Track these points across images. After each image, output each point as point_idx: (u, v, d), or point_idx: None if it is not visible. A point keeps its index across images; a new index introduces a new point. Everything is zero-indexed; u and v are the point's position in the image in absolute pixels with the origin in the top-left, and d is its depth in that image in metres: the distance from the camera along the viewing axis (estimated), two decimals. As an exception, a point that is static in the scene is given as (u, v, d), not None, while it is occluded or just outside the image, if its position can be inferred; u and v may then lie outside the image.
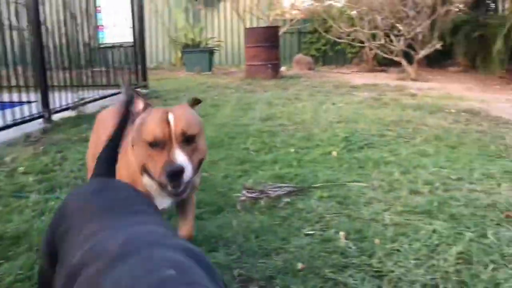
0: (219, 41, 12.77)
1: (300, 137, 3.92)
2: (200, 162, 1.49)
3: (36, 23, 4.66)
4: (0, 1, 4.57)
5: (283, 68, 11.10)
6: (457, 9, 9.21)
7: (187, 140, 1.41)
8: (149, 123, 1.43)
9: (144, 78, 7.13)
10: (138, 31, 6.96)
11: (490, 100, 6.00)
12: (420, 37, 9.51)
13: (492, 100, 6.03)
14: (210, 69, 10.74)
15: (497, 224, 2.07)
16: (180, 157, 1.37)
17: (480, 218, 2.12)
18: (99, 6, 6.55)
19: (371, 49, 10.54)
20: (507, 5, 9.59)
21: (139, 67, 7.02)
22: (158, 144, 1.40)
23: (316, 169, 3.01)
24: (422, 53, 9.13)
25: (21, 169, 3.13)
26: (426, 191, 2.48)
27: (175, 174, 1.34)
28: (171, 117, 1.42)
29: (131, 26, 6.78)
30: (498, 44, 8.21)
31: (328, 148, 3.54)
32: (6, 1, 4.50)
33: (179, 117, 1.43)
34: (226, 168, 3.10)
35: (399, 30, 9.27)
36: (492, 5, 10.99)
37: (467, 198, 2.35)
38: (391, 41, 9.53)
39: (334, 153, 3.41)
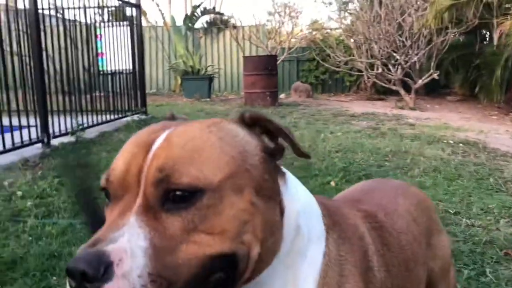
0: (218, 68, 12.91)
1: (298, 167, 3.90)
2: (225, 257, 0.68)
3: (37, 49, 4.72)
4: (2, 28, 4.64)
5: (281, 96, 11.21)
6: (452, 37, 9.34)
7: (168, 194, 0.66)
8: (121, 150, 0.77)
9: (143, 104, 7.17)
10: (138, 58, 7.04)
11: (488, 130, 6.03)
12: (417, 66, 9.65)
13: (490, 130, 6.06)
14: (209, 96, 10.82)
15: (496, 262, 2.04)
16: (127, 234, 0.63)
17: (479, 255, 2.09)
18: (100, 34, 6.64)
19: (369, 78, 10.66)
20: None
21: (139, 93, 7.06)
22: (114, 195, 0.71)
23: (314, 200, 2.98)
24: (420, 82, 9.23)
25: (19, 193, 3.12)
26: (425, 226, 2.46)
27: (83, 275, 0.59)
28: (160, 138, 0.71)
29: (131, 53, 6.87)
30: (497, 74, 8.31)
31: (326, 178, 3.53)
32: (8, 28, 4.57)
33: (172, 141, 0.70)
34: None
35: (396, 59, 9.41)
36: (487, 34, 11.19)
37: (465, 234, 2.33)
38: (389, 70, 9.65)
39: (333, 183, 3.39)
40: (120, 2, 6.96)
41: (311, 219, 0.84)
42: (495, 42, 9.44)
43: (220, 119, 0.78)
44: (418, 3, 9.31)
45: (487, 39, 11.05)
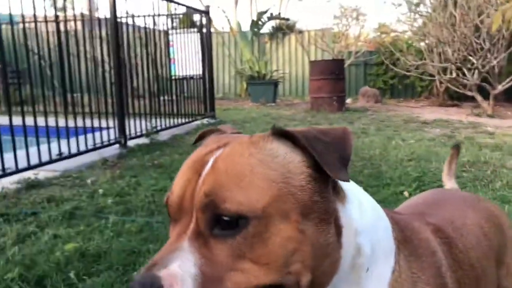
0: (283, 73, 12.95)
1: (368, 174, 3.81)
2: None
3: (116, 56, 5.02)
4: (85, 38, 5.00)
5: (348, 101, 11.00)
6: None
7: (216, 220, 0.66)
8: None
9: (212, 108, 7.36)
10: (207, 64, 7.25)
11: None
12: (496, 70, 9.03)
13: None
14: (274, 101, 10.88)
15: None
16: (179, 259, 0.65)
17: None
18: (172, 41, 6.92)
19: (441, 83, 10.16)
20: None
21: (208, 98, 7.27)
22: (173, 217, 0.73)
23: (388, 207, 2.88)
24: (499, 87, 8.63)
25: (100, 191, 3.33)
26: None
27: None
28: (209, 163, 0.71)
29: (201, 59, 7.08)
30: None
31: (399, 187, 3.40)
32: (91, 38, 4.91)
33: (217, 166, 0.70)
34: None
35: (472, 63, 8.87)
36: None
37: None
38: (464, 74, 9.12)
39: (406, 193, 3.26)
40: (190, 9, 7.21)
41: (377, 235, 0.80)
42: None
43: (260, 136, 0.74)
44: (499, 1, 8.71)
45: None
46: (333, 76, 8.99)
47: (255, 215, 0.65)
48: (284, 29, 13.32)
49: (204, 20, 7.44)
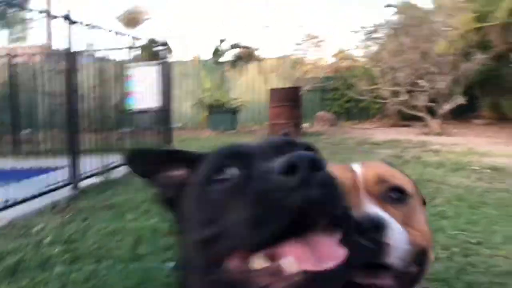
0: (243, 101, 13.15)
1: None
2: (422, 253, 0.90)
3: (70, 89, 4.90)
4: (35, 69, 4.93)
5: (305, 125, 11.27)
6: (478, 64, 9.25)
7: (390, 194, 0.93)
8: None
9: (169, 140, 7.37)
10: (165, 95, 7.30)
11: (516, 155, 5.86)
12: (443, 91, 9.55)
13: (519, 155, 5.89)
14: (234, 128, 11.01)
15: (517, 294, 1.98)
16: (386, 216, 0.85)
17: (499, 286, 2.04)
18: (130, 75, 6.92)
19: (393, 105, 10.61)
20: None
21: (165, 129, 7.29)
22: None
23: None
24: (446, 107, 9.11)
25: (48, 239, 3.14)
26: (445, 257, 2.42)
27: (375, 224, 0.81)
28: (356, 165, 1.05)
29: (160, 91, 7.09)
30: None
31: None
32: (41, 69, 4.83)
33: (371, 164, 1.05)
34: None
35: (421, 86, 9.35)
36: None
37: (486, 264, 2.27)
38: (414, 96, 9.59)
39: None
40: (148, 42, 7.27)
41: None
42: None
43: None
44: (444, 30, 9.29)
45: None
46: (291, 102, 9.25)
47: (412, 195, 0.96)
48: (245, 57, 13.60)
49: (163, 52, 7.49)
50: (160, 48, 7.38)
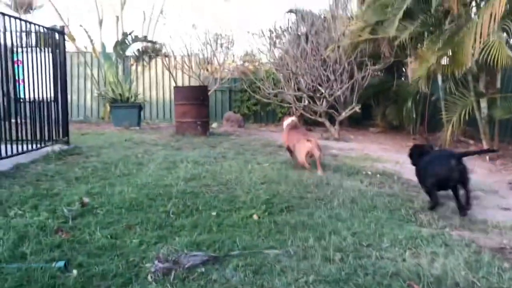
0: (149, 96, 12.73)
1: (223, 199, 3.90)
2: None
3: None
4: None
5: (213, 125, 11.24)
6: (372, 75, 10.03)
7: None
8: None
9: (66, 133, 6.83)
10: (61, 85, 6.75)
11: (403, 161, 6.42)
12: (342, 99, 10.19)
13: (405, 161, 6.42)
14: (138, 124, 10.59)
15: (400, 293, 2.14)
16: None
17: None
18: (19, 59, 6.28)
19: (297, 110, 11.05)
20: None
21: (60, 122, 6.73)
22: None
23: (236, 234, 2.99)
24: (343, 115, 9.73)
25: None
26: (338, 259, 2.54)
27: None
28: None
29: (53, 80, 6.57)
30: (408, 105, 9.00)
31: (249, 211, 3.55)
32: None
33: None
34: (141, 234, 2.98)
35: (321, 93, 9.88)
36: (403, 71, 12.14)
37: (375, 267, 2.44)
38: (315, 102, 10.09)
39: (255, 217, 3.42)
40: (43, 28, 6.67)
41: None
42: (409, 79, 10.25)
43: None
44: (341, 39, 9.91)
45: (403, 76, 11.96)
46: (198, 101, 9.13)
47: None
48: (150, 52, 13.14)
49: (59, 40, 6.92)
50: (56, 35, 6.80)
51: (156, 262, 2.47)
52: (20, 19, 5.98)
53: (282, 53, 11.15)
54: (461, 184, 3.67)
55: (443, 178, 3.69)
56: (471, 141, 8.58)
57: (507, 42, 8.08)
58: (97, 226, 3.07)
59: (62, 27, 7.15)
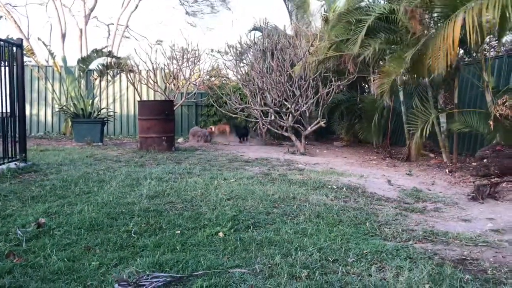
0: (113, 112, 12.46)
1: (188, 217, 3.81)
2: None
3: None
4: None
5: (180, 140, 11.11)
6: (336, 90, 10.22)
7: None
8: None
9: (23, 150, 6.54)
10: (18, 101, 6.48)
11: (367, 175, 6.55)
12: (307, 114, 10.31)
13: (370, 175, 6.58)
14: (101, 140, 10.31)
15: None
16: None
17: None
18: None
19: (263, 124, 11.09)
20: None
21: (17, 138, 6.44)
22: None
23: (200, 254, 2.90)
24: (309, 129, 9.83)
25: None
26: (304, 276, 2.51)
27: None
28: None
29: (9, 94, 6.30)
30: (371, 123, 9.21)
31: (215, 228, 3.47)
32: None
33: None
34: (101, 255, 2.85)
35: (287, 108, 9.96)
36: (366, 87, 12.47)
37: (341, 282, 2.42)
38: (281, 117, 10.16)
39: (221, 234, 3.35)
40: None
41: None
42: (373, 94, 10.51)
43: None
44: (306, 56, 10.06)
45: (366, 91, 12.27)
46: (162, 116, 9.00)
47: None
48: (114, 67, 12.92)
49: (16, 53, 6.67)
50: (14, 48, 6.55)
51: (116, 285, 2.35)
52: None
53: (248, 69, 11.21)
54: None
55: None
56: (432, 154, 8.85)
57: (463, 58, 8.46)
58: (53, 249, 2.91)
59: (20, 39, 6.90)
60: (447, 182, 6.21)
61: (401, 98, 9.62)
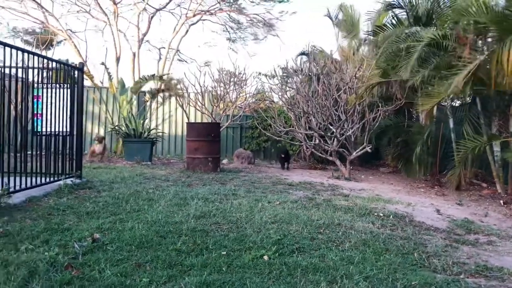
0: (162, 132, 12.90)
1: (233, 238, 3.87)
2: None
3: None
4: None
5: (224, 161, 11.30)
6: (383, 116, 10.09)
7: None
8: None
9: (79, 167, 6.91)
10: (77, 120, 6.90)
11: (415, 203, 6.37)
12: (352, 138, 10.21)
13: (417, 203, 6.41)
14: (150, 159, 10.67)
15: None
16: None
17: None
18: (38, 95, 6.48)
19: (307, 148, 11.08)
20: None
21: (74, 156, 6.83)
22: None
23: (246, 276, 2.95)
24: (354, 154, 9.72)
25: None
26: (351, 304, 2.49)
27: None
28: None
29: (69, 115, 6.72)
30: (417, 150, 8.99)
31: (260, 251, 3.51)
32: None
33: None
34: (152, 272, 2.96)
35: (332, 132, 9.92)
36: (414, 113, 12.19)
37: (389, 313, 2.38)
38: (326, 141, 10.12)
39: (266, 257, 3.38)
40: (63, 65, 6.90)
41: None
42: (421, 120, 10.28)
43: None
44: (352, 81, 10.06)
45: (414, 117, 11.99)
46: (209, 138, 9.23)
47: None
48: (164, 90, 13.42)
49: (77, 76, 7.14)
50: (75, 71, 7.02)
51: (165, 302, 2.44)
52: (40, 56, 6.18)
53: (294, 93, 11.31)
54: None
55: None
56: (484, 184, 8.48)
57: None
58: (107, 263, 3.06)
59: (81, 63, 7.38)
60: (502, 214, 5.93)
61: (451, 125, 9.34)
